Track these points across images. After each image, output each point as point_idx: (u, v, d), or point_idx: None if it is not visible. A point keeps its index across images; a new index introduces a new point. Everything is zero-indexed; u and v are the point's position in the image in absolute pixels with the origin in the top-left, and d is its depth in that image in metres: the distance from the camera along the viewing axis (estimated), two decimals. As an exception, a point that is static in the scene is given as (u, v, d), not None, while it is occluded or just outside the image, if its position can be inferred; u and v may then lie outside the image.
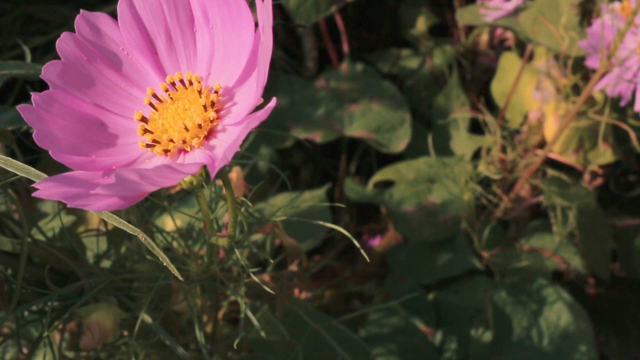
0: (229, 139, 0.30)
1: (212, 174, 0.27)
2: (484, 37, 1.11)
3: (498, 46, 1.11)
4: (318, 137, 0.97)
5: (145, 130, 0.32)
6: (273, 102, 0.26)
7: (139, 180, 0.25)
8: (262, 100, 0.28)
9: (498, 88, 1.02)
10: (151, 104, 0.33)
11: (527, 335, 0.78)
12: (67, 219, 0.63)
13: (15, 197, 0.46)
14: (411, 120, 1.00)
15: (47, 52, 0.99)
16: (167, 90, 0.33)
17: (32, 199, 0.84)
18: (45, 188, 0.27)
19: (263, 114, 0.26)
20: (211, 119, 0.31)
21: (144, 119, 0.33)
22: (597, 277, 1.00)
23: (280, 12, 1.07)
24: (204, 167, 0.32)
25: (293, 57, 1.14)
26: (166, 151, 0.31)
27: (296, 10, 0.97)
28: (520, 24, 0.90)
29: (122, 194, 0.27)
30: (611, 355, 0.91)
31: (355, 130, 1.00)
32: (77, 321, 0.56)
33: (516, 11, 0.92)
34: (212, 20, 0.33)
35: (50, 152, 0.29)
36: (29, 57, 0.52)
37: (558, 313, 0.78)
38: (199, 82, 0.32)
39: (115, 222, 0.28)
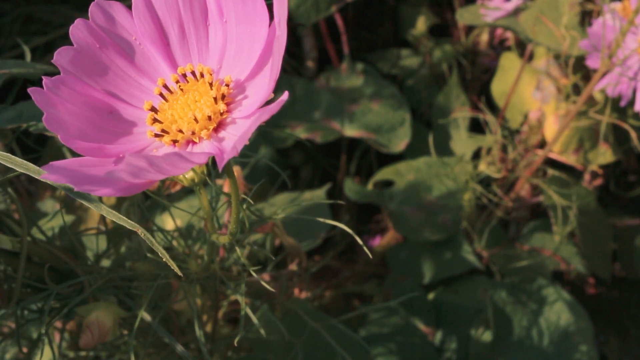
0: (238, 131, 0.31)
1: (220, 166, 0.27)
2: (484, 37, 1.11)
3: (498, 46, 1.11)
4: (318, 137, 0.97)
5: (155, 120, 0.32)
6: (285, 96, 0.26)
7: (148, 166, 0.25)
8: (272, 95, 0.28)
9: (498, 88, 1.02)
10: (161, 95, 0.33)
11: (527, 335, 0.77)
12: (67, 219, 0.63)
13: (15, 195, 0.46)
14: (411, 120, 1.00)
15: (47, 51, 0.99)
16: (177, 82, 0.33)
17: (31, 199, 0.84)
18: (54, 171, 0.27)
19: (275, 107, 0.26)
20: (221, 111, 0.31)
21: (153, 109, 0.33)
22: (598, 277, 1.00)
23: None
24: (206, 163, 0.32)
25: (293, 57, 1.14)
26: (174, 141, 0.31)
27: (296, 10, 0.97)
28: (520, 24, 0.90)
29: (129, 181, 0.27)
30: (611, 355, 0.91)
31: (355, 130, 1.00)
32: (78, 321, 0.56)
33: (516, 11, 0.92)
34: (226, 14, 0.33)
35: (59, 137, 0.29)
36: (28, 57, 0.52)
37: (558, 313, 0.78)
38: (211, 75, 0.33)
39: (115, 217, 0.28)
